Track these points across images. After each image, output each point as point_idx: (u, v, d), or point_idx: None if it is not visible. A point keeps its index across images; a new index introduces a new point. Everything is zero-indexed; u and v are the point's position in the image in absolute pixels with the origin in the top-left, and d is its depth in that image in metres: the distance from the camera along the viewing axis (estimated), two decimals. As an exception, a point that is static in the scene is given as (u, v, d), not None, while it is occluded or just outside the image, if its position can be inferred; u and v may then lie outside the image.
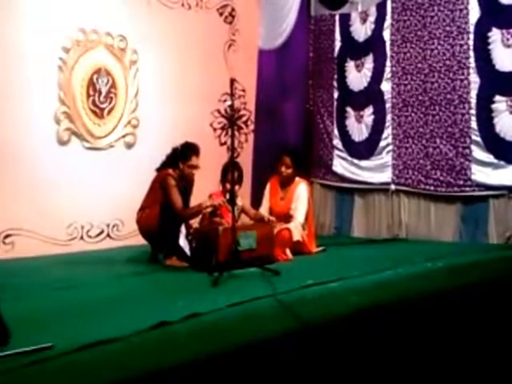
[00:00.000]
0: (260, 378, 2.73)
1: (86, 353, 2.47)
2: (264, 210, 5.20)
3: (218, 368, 2.58)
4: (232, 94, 4.07)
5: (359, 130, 6.51)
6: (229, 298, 3.25)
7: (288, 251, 4.82)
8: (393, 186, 6.24)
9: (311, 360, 2.89)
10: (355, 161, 6.52)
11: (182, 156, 4.65)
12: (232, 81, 4.09)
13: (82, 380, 2.28)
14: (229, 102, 4.05)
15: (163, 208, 4.51)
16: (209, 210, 4.59)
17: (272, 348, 2.83)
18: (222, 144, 6.56)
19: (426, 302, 3.58)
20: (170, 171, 4.60)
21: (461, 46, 5.76)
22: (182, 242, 4.51)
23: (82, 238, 5.44)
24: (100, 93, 5.54)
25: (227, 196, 4.58)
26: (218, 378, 2.58)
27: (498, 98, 5.51)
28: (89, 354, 2.47)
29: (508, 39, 5.48)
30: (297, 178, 5.23)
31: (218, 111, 6.34)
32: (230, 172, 4.45)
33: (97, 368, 2.38)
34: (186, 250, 4.51)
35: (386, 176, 6.28)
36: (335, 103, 6.71)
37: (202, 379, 2.52)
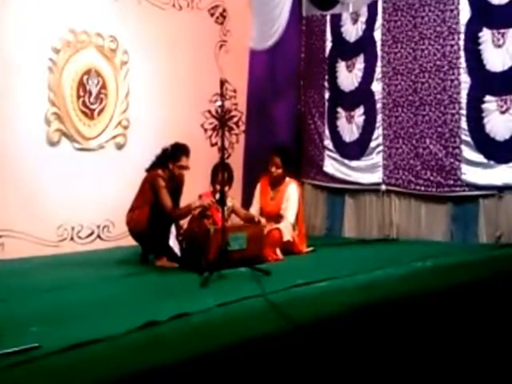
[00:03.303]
0: (249, 377, 2.72)
1: (74, 353, 2.46)
2: (254, 210, 5.19)
3: (206, 368, 2.57)
4: (222, 95, 4.07)
5: (350, 130, 6.51)
6: (218, 298, 3.25)
7: (278, 251, 4.83)
8: (383, 187, 6.25)
9: (300, 359, 2.88)
10: (346, 161, 6.53)
11: (172, 156, 4.64)
12: (222, 81, 4.08)
13: (69, 380, 2.27)
14: (219, 103, 4.04)
15: (153, 209, 4.50)
16: (198, 210, 4.57)
17: (261, 347, 2.82)
18: (212, 145, 6.60)
19: (415, 302, 3.58)
20: (160, 172, 4.59)
21: (451, 46, 5.79)
22: (172, 242, 4.50)
23: (72, 239, 5.41)
24: (90, 94, 5.52)
25: (217, 196, 4.57)
26: (206, 378, 2.57)
27: (488, 97, 5.54)
28: (76, 355, 2.46)
29: (498, 39, 5.51)
30: (287, 178, 5.23)
31: (209, 112, 6.39)
32: (220, 173, 4.44)
33: (84, 368, 2.37)
34: (176, 250, 4.51)
35: (376, 176, 6.29)
36: (326, 104, 6.71)
37: (190, 379, 2.51)
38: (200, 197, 4.77)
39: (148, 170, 4.70)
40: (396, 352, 3.29)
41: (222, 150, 4.12)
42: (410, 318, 3.46)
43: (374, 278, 3.79)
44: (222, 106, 4.08)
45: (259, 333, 2.88)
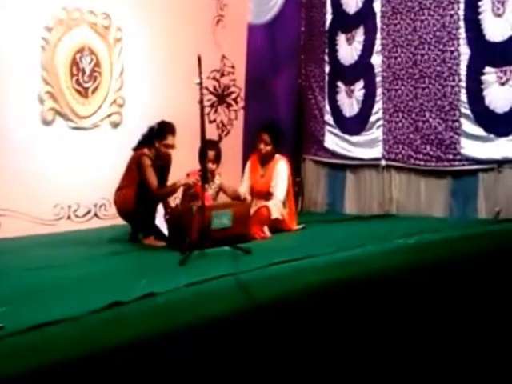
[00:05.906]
0: (213, 357, 2.72)
1: (36, 333, 2.47)
2: (245, 188, 5.15)
3: (169, 348, 2.58)
4: (200, 72, 4.00)
5: (350, 105, 6.41)
6: (191, 278, 3.22)
7: (266, 229, 4.78)
8: (383, 162, 6.15)
9: (265, 339, 2.87)
10: (346, 136, 6.44)
11: (158, 135, 4.61)
12: (199, 58, 4.01)
13: (32, 360, 2.29)
14: (197, 80, 3.98)
15: (140, 188, 4.50)
16: (184, 188, 4.56)
17: (227, 327, 2.82)
18: (210, 122, 6.54)
19: (398, 278, 3.55)
20: (146, 151, 4.57)
21: (451, 16, 5.63)
22: (159, 221, 4.50)
23: (69, 217, 5.44)
24: (84, 72, 5.49)
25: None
26: (169, 359, 2.58)
27: (487, 69, 5.37)
28: (39, 335, 2.47)
29: (498, 8, 5.33)
30: (276, 156, 5.17)
31: (207, 88, 6.32)
32: (204, 150, 4.40)
33: (46, 349, 2.39)
34: (163, 229, 4.51)
35: (376, 151, 6.19)
36: (326, 78, 6.60)
37: (153, 359, 2.52)
38: (188, 175, 4.75)
39: (135, 149, 4.69)
40: (370, 329, 3.26)
41: (202, 127, 4.04)
42: (388, 294, 3.42)
43: (352, 255, 3.72)
44: (200, 83, 4.01)
45: (226, 312, 2.87)
